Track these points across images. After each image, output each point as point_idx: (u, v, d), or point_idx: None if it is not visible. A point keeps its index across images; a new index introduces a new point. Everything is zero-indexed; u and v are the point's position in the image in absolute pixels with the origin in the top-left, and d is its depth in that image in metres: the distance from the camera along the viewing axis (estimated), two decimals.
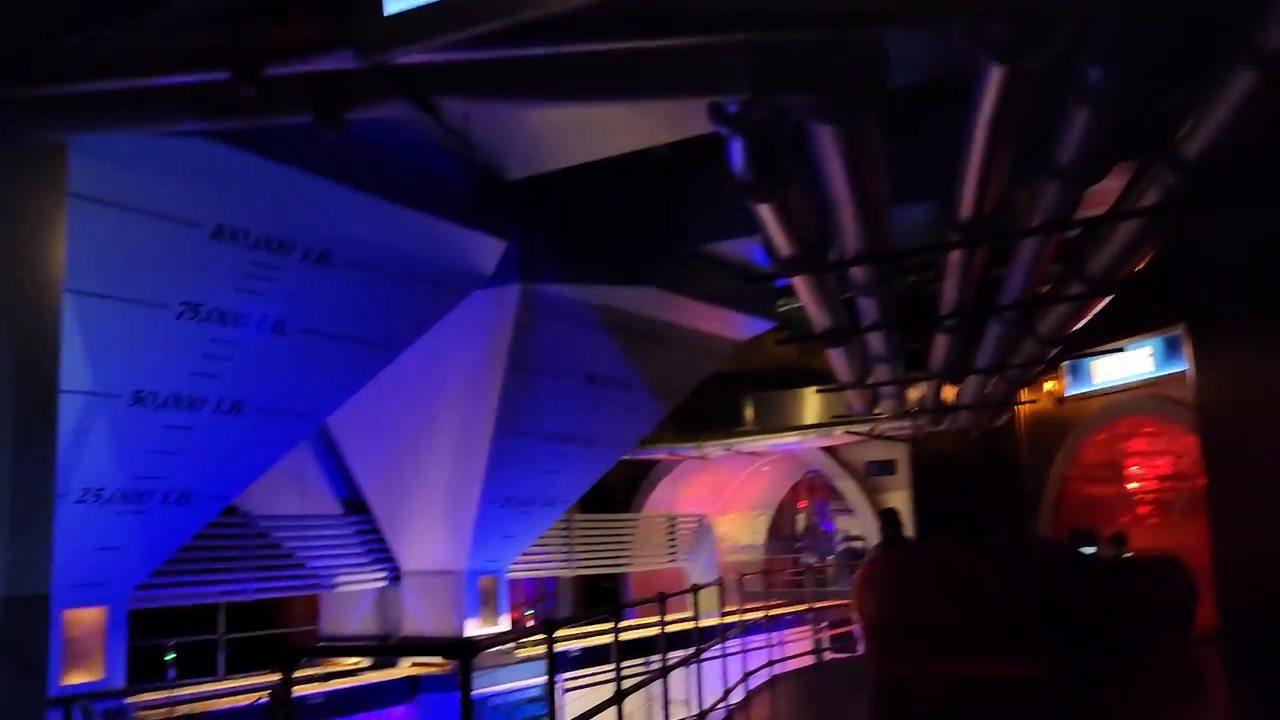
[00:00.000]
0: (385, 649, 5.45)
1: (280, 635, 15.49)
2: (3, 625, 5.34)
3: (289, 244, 8.64)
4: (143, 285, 7.97)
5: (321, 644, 5.56)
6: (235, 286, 8.51)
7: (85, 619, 9.07)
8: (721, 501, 23.83)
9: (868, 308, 10.22)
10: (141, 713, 9.61)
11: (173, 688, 10.01)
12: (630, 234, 11.51)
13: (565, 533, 16.70)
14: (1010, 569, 11.17)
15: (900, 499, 20.50)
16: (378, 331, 9.91)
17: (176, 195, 7.77)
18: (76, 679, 8.96)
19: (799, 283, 9.31)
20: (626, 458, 19.28)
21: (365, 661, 13.10)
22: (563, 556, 16.77)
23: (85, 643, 9.05)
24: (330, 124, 5.56)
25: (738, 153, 6.56)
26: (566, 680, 14.68)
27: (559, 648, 14.74)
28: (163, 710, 9.63)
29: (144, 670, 10.52)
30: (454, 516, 12.83)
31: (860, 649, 13.97)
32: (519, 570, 15.43)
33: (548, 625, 6.41)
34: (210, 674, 12.73)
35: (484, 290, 10.95)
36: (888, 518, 10.56)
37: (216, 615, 13.40)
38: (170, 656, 9.75)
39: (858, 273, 8.90)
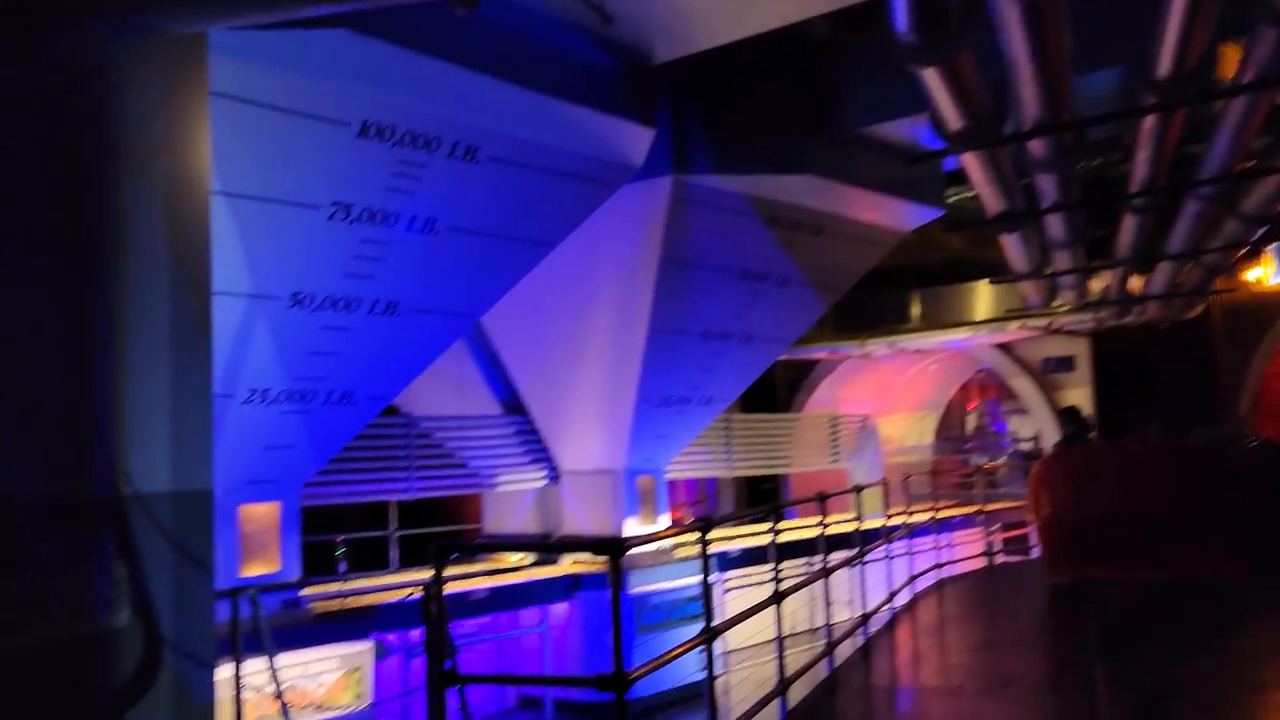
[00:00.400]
0: (532, 546, 5.40)
1: (448, 532, 15.94)
2: (170, 519, 5.42)
3: (435, 140, 8.47)
4: (293, 187, 7.96)
5: (471, 542, 5.53)
6: (384, 186, 8.42)
7: (260, 514, 9.39)
8: (886, 402, 23.16)
9: (1047, 187, 9.39)
10: (315, 604, 9.97)
11: (344, 580, 10.35)
12: (786, 119, 10.91)
13: (724, 433, 16.49)
14: (1204, 470, 10.37)
15: (1080, 397, 19.40)
16: (527, 228, 9.73)
17: (321, 93, 7.66)
18: (254, 571, 9.32)
19: (970, 161, 8.60)
20: (786, 357, 18.89)
21: (529, 559, 13.32)
22: (721, 457, 16.59)
23: (260, 537, 9.39)
24: (461, 1, 5.25)
25: (901, 10, 5.94)
26: (726, 580, 14.63)
27: (719, 548, 14.66)
28: (334, 601, 9.96)
29: (319, 565, 10.93)
30: (610, 416, 12.75)
31: (1035, 552, 13.33)
32: (677, 470, 15.35)
33: (701, 524, 6.18)
34: (383, 569, 13.21)
35: (634, 183, 10.61)
36: (1069, 416, 9.88)
37: (388, 513, 13.86)
38: (341, 552, 10.04)
39: (1037, 146, 8.12)
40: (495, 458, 12.98)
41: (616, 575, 4.93)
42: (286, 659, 9.07)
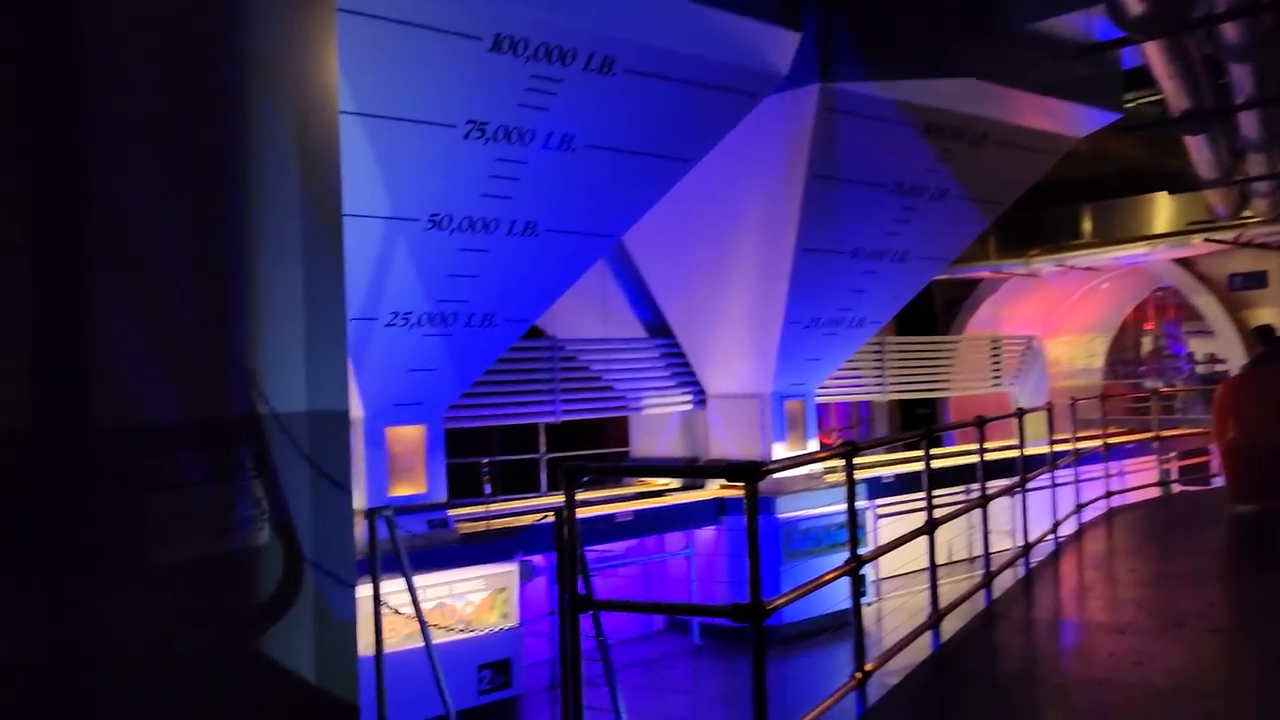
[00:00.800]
0: (665, 470, 5.23)
1: (596, 455, 15.99)
2: (306, 439, 5.43)
3: (569, 52, 8.19)
4: (427, 105, 7.83)
5: (607, 464, 5.38)
6: (518, 102, 8.22)
7: (406, 437, 9.51)
8: (1053, 323, 21.96)
9: (1241, 80, 8.45)
10: (461, 525, 10.09)
11: (489, 502, 10.43)
12: (943, 17, 10.16)
13: (877, 356, 15.93)
14: None
15: (1272, 316, 17.92)
16: (667, 144, 9.39)
17: (451, 6, 7.47)
18: (401, 491, 9.47)
19: (1153, 52, 7.77)
20: (944, 277, 18.07)
21: (675, 483, 13.23)
22: (875, 380, 16.05)
23: (407, 459, 9.52)
24: None
25: None
26: (879, 506, 14.23)
27: (872, 473, 14.25)
28: (480, 523, 10.06)
29: (467, 487, 11.06)
30: (757, 339, 12.41)
31: (1216, 481, 12.44)
32: (828, 394, 14.92)
33: (846, 449, 5.85)
34: (533, 491, 13.35)
35: (779, 94, 10.10)
36: (1262, 335, 9.01)
37: (538, 436, 13.96)
38: (486, 474, 10.11)
39: (1231, 32, 7.25)
40: (640, 381, 12.83)
41: (753, 501, 4.69)
42: (434, 578, 9.22)
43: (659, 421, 13.71)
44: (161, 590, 4.82)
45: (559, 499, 11.79)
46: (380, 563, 6.76)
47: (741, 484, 4.65)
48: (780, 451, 12.75)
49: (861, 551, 5.53)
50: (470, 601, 9.42)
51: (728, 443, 13.08)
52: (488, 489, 10.19)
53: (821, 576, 5.67)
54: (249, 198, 5.32)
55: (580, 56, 8.26)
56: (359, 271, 8.28)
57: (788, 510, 12.31)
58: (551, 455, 15.27)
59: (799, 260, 11.37)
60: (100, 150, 4.70)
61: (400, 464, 9.48)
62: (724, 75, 9.24)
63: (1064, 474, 10.40)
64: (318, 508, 5.54)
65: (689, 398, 13.26)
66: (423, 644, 8.93)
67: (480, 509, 10.35)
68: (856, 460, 5.84)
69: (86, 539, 4.54)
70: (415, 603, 5.50)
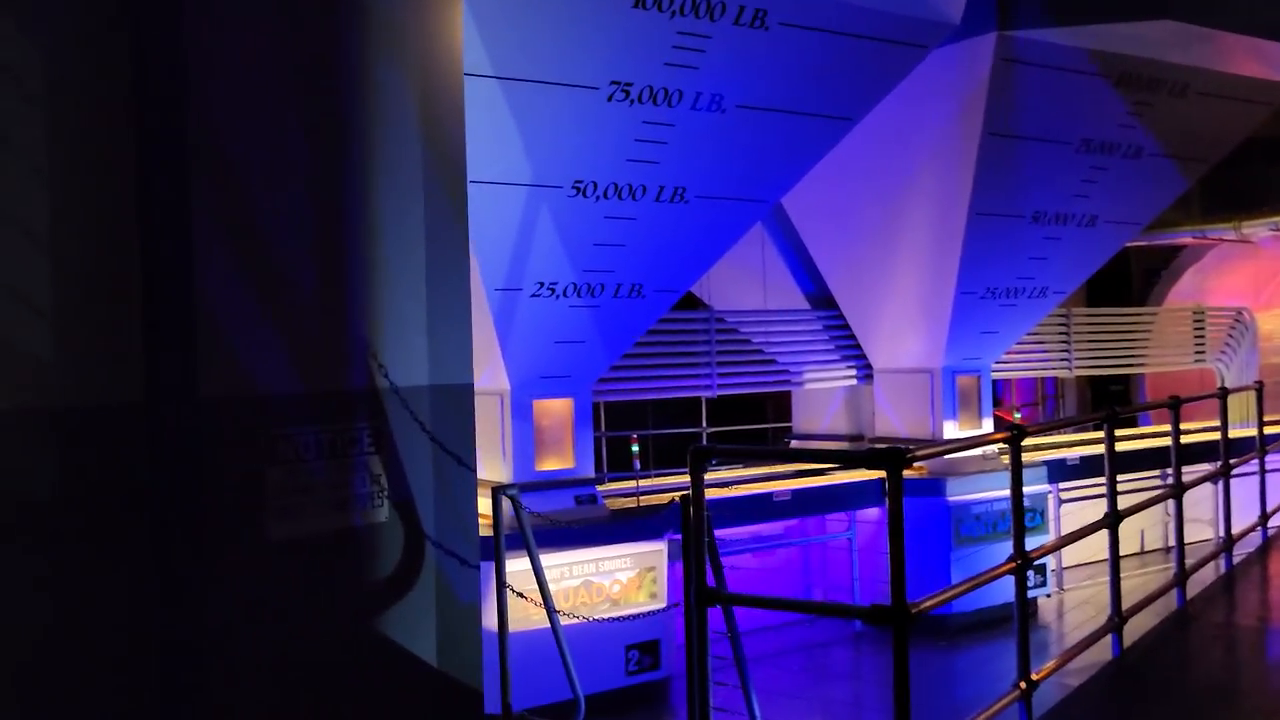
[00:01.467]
0: (802, 454, 4.83)
1: (758, 430, 15.56)
2: (429, 413, 5.24)
3: (718, 5, 7.72)
4: (568, 67, 7.52)
5: (726, 447, 4.98)
6: (664, 61, 7.81)
7: (554, 410, 9.31)
8: (1268, 294, 20.04)
9: None
10: (610, 500, 9.85)
11: (638, 478, 10.15)
12: None
13: (1063, 328, 14.81)
14: None
15: None
16: (826, 102, 8.80)
17: None
18: (548, 466, 9.29)
19: None
20: (1141, 242, 16.73)
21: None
22: (1060, 355, 14.94)
23: (555, 433, 9.32)
24: None
25: None
26: (1063, 490, 13.27)
27: (1055, 455, 13.29)
28: (630, 499, 9.79)
29: (619, 462, 10.83)
30: (927, 310, 11.67)
31: None
32: (1006, 369, 13.99)
33: (1013, 433, 5.24)
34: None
35: (950, 45, 9.33)
36: None
37: (701, 409, 13.64)
38: (635, 449, 9.83)
39: None
40: (801, 355, 12.28)
41: (897, 491, 4.23)
42: (581, 555, 9.01)
43: (822, 397, 13.13)
44: (278, 567, 4.70)
45: (721, 475, 11.52)
46: (509, 542, 6.53)
47: (920, 466, 4.18)
48: (951, 431, 11.99)
49: (1040, 540, 4.94)
50: (618, 580, 9.18)
51: (895, 420, 12.40)
52: (637, 465, 9.90)
53: (982, 574, 5.11)
54: (369, 165, 5.13)
55: (730, 10, 7.78)
56: (501, 241, 8.08)
57: (959, 493, 11.56)
58: (713, 429, 14.97)
59: (973, 225, 10.57)
60: (216, 117, 4.58)
61: (548, 438, 9.30)
62: (889, 26, 8.58)
63: (1275, 459, 9.33)
64: (440, 485, 5.35)
65: (853, 372, 12.63)
66: (572, 621, 8.78)
67: (631, 484, 10.08)
68: (1035, 441, 5.26)
69: (202, 513, 4.46)
70: (541, 584, 5.26)
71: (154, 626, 4.30)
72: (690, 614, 4.74)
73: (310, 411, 4.78)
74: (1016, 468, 5.24)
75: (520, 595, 5.24)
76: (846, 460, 4.56)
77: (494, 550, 5.51)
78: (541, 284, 8.50)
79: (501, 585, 5.45)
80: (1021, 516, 5.26)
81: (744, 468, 12.96)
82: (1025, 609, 5.28)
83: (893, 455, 4.14)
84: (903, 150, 10.62)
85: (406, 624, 5.12)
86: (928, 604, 4.24)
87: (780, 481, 11.47)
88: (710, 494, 10.73)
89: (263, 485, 4.59)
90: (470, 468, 5.38)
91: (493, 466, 9.29)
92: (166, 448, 4.27)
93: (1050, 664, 5.64)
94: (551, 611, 5.30)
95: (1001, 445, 12.03)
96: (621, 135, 7.97)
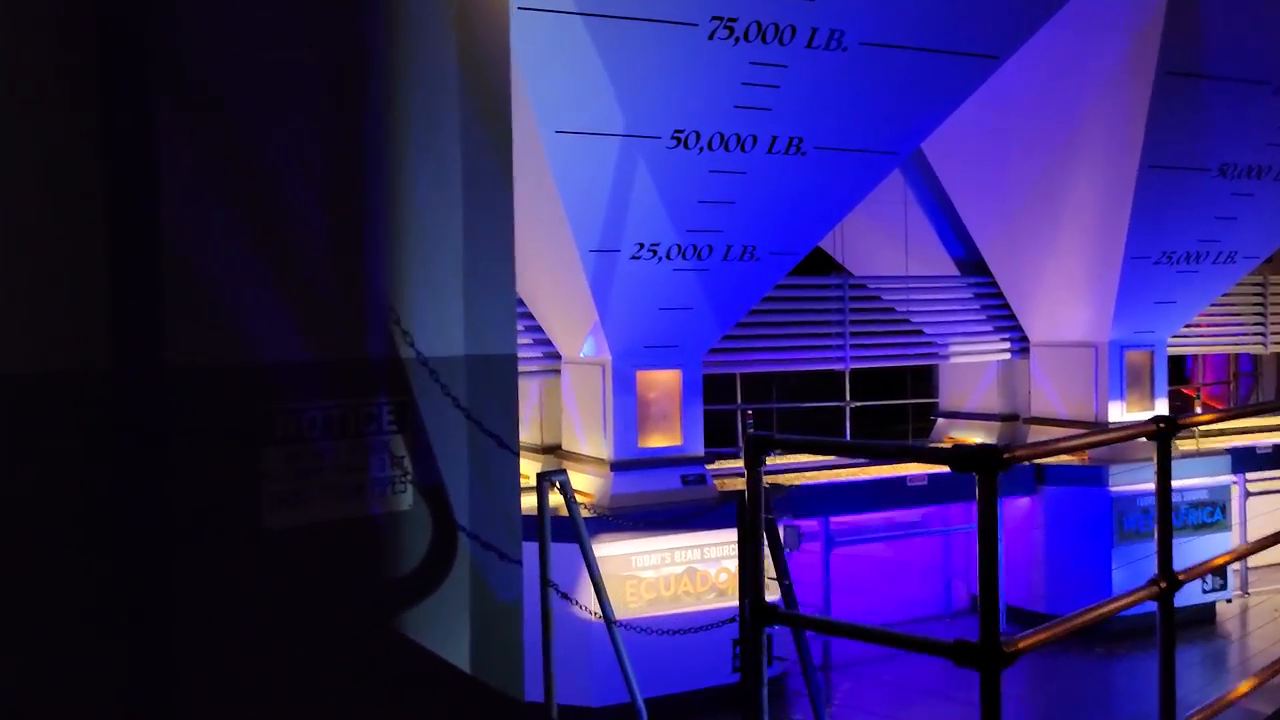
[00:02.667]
0: (870, 449, 4.12)
1: (898, 406, 14.46)
2: (464, 388, 4.63)
3: None
4: (664, 1, 6.74)
5: (789, 436, 4.29)
6: None
7: (660, 382, 8.61)
8: None
9: None
10: (721, 480, 9.11)
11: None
12: None
13: (1258, 298, 13.12)
14: None
15: None
16: (966, 38, 7.72)
17: None
18: (653, 443, 8.61)
19: None
20: None
21: (988, 439, 11.55)
22: (1254, 329, 13.25)
23: (662, 406, 8.64)
24: None
25: None
26: (1251, 482, 11.74)
27: (1243, 441, 11.77)
28: (741, 478, 9.01)
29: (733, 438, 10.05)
30: (1092, 277, 10.38)
31: None
32: (1186, 344, 12.48)
33: (1159, 427, 4.24)
34: None
35: None
36: None
37: (839, 383, 12.69)
38: (751, 425, 9.03)
39: None
40: (948, 325, 11.17)
41: (990, 497, 3.36)
42: (685, 540, 8.33)
43: (973, 371, 11.99)
44: (275, 559, 4.17)
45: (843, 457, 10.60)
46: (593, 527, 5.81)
47: (981, 474, 3.31)
48: (1117, 413, 10.69)
49: (1221, 539, 3.98)
50: (726, 569, 8.45)
51: (1053, 398, 11.17)
52: None
53: (1111, 601, 4.16)
54: (396, 105, 4.50)
55: None
56: (594, 198, 7.40)
57: (1124, 482, 10.30)
58: (860, 404, 13.99)
59: (1144, 179, 9.25)
60: (199, 37, 4.01)
61: (654, 412, 8.62)
62: None
63: None
64: (476, 469, 4.73)
65: (1006, 345, 11.43)
66: (666, 612, 8.12)
67: (735, 464, 9.31)
68: (1220, 426, 4.25)
69: (182, 496, 3.96)
70: (595, 581, 4.62)
71: (119, 626, 3.82)
72: (745, 631, 3.98)
73: (317, 383, 4.23)
74: (1164, 465, 4.24)
75: (565, 596, 4.60)
76: (930, 458, 3.82)
77: (539, 545, 4.87)
78: (641, 245, 7.78)
79: (545, 585, 4.81)
80: (1168, 526, 4.26)
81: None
82: (1171, 639, 4.29)
83: (986, 456, 3.26)
84: (1063, 94, 9.37)
85: (435, 625, 4.54)
86: (1027, 643, 3.36)
87: (912, 467, 10.48)
88: (836, 476, 9.86)
89: (257, 467, 4.06)
90: (512, 449, 4.74)
91: (595, 442, 8.70)
92: (135, 421, 3.77)
93: (1241, 687, 4.63)
94: (608, 612, 4.65)
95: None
96: (727, 78, 7.15)
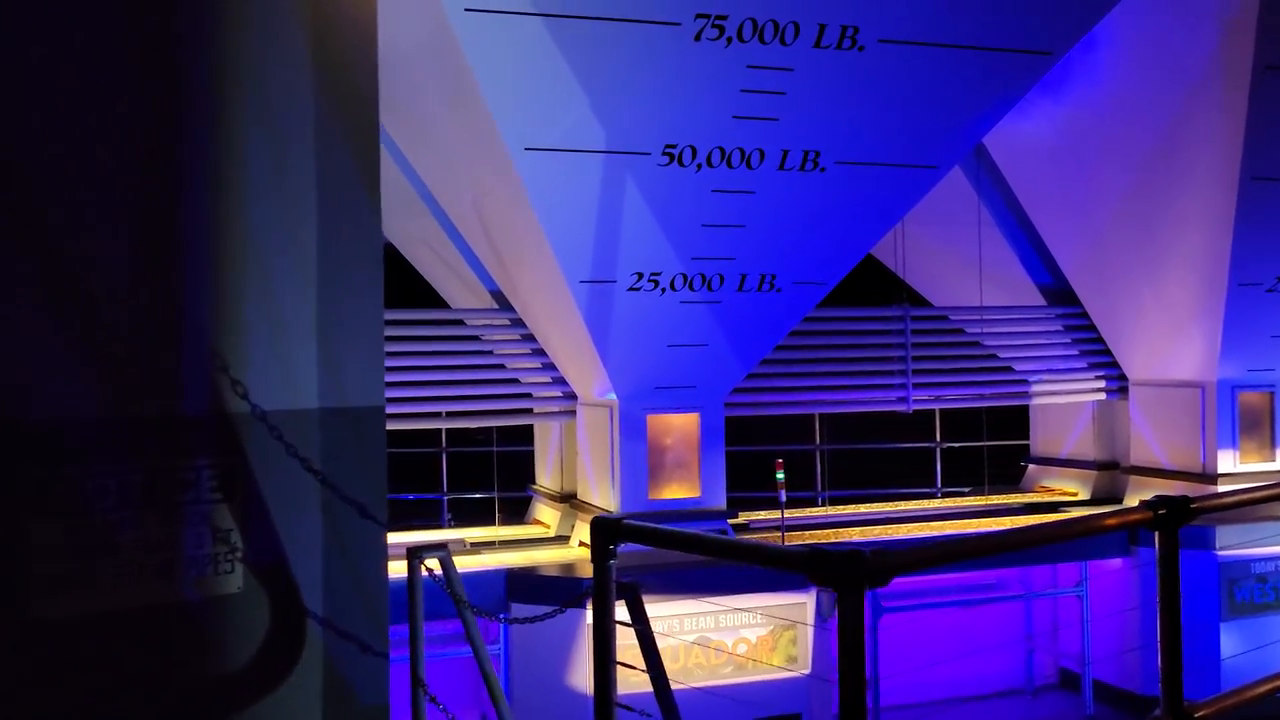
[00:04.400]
0: (720, 547, 3.36)
1: (972, 448, 13.14)
2: (316, 447, 3.90)
3: None
4: (645, 3, 5.95)
5: (635, 523, 3.43)
6: None
7: (675, 427, 7.74)
8: None
9: None
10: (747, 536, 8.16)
11: (781, 509, 8.33)
12: None
13: None
14: None
15: None
16: (1010, 33, 6.67)
17: None
18: (669, 494, 7.74)
19: None
20: None
21: (1080, 494, 10.28)
22: None
23: (677, 454, 7.76)
24: None
25: None
26: None
27: None
28: (772, 534, 8.06)
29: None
30: (1194, 306, 9.05)
31: None
32: None
33: (1161, 510, 3.23)
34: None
35: None
36: None
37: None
38: (780, 475, 8.04)
39: None
40: (1032, 361, 9.94)
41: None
42: (697, 606, 7.39)
43: (1068, 413, 10.68)
44: (54, 655, 3.49)
45: (900, 505, 9.50)
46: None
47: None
48: (1229, 463, 9.27)
49: None
50: (744, 639, 7.48)
51: (1155, 445, 9.80)
52: (782, 495, 8.12)
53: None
54: (219, 118, 3.83)
55: None
56: (578, 223, 6.63)
57: (1234, 543, 8.86)
58: (951, 444, 12.80)
59: (1247, 193, 7.94)
60: None
61: (669, 460, 7.75)
62: None
63: None
64: (332, 545, 3.97)
65: (1101, 384, 10.11)
66: (679, 686, 7.20)
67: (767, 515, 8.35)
68: None
69: None
70: (489, 682, 3.82)
71: None
72: None
73: (110, 444, 3.55)
74: (1168, 561, 3.20)
75: (434, 701, 3.78)
76: (787, 563, 2.99)
77: (409, 638, 4.07)
78: (640, 275, 6.96)
79: (416, 685, 4.00)
80: (1175, 636, 3.22)
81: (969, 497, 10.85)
82: None
83: (850, 564, 2.33)
84: (1148, 97, 8.14)
85: None
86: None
87: (991, 519, 9.30)
88: (890, 532, 8.75)
89: (25, 545, 3.40)
90: (378, 520, 3.97)
91: (604, 491, 7.88)
92: None
93: None
94: (498, 696, 3.84)
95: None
96: (720, 85, 6.30)
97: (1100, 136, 8.74)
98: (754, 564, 2.40)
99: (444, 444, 13.24)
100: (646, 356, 7.39)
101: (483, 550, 8.16)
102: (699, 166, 6.56)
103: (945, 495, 12.63)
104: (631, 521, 2.91)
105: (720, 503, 7.82)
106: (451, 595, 4.03)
